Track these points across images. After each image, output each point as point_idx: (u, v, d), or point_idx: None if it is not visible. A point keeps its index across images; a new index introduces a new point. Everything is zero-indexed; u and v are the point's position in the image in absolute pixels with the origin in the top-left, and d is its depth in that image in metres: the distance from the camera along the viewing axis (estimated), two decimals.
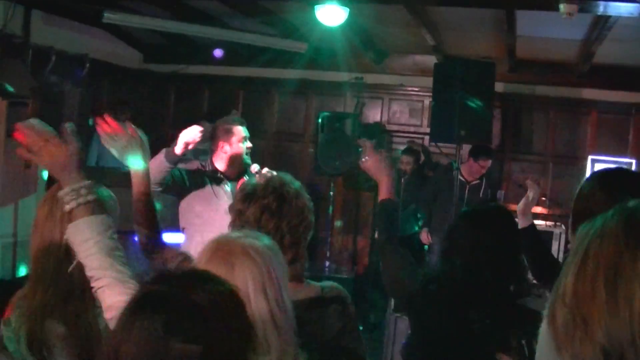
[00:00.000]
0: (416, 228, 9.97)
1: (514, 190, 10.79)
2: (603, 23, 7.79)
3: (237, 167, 6.06)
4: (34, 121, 2.83)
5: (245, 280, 2.26)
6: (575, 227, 2.62)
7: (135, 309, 1.70)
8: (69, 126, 2.91)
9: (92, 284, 2.78)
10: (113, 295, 2.72)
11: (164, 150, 5.50)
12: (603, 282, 1.47)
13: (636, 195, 2.50)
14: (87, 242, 2.77)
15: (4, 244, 8.61)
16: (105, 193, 3.15)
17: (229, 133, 6.07)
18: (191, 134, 5.47)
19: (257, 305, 2.25)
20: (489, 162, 9.53)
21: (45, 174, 8.77)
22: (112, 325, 2.66)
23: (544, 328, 2.13)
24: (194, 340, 1.63)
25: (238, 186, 5.97)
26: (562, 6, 6.32)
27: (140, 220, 3.48)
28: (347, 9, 7.47)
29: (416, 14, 8.42)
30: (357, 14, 8.45)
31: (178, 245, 6.27)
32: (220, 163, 6.08)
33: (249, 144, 6.12)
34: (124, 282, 2.76)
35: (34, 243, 3.05)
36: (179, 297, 1.70)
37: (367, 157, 3.88)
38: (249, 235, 2.44)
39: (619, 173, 2.87)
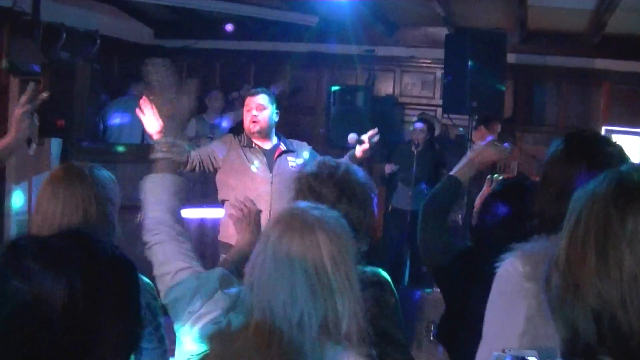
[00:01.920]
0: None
1: (526, 161, 10.80)
2: None
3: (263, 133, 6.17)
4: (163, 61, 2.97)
5: (321, 251, 2.25)
6: (544, 195, 2.64)
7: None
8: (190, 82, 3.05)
9: (149, 239, 2.88)
10: (168, 251, 2.80)
11: None
12: (593, 244, 1.48)
13: (596, 158, 2.53)
14: (158, 196, 2.87)
15: (19, 220, 8.66)
16: (105, 174, 3.24)
17: (244, 104, 6.27)
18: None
19: (334, 275, 2.25)
20: (499, 127, 9.54)
21: (57, 151, 8.82)
22: (161, 281, 2.77)
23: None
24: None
25: (275, 156, 6.06)
26: None
27: None
28: None
29: None
30: None
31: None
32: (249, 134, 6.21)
33: (257, 110, 6.18)
34: (180, 242, 2.86)
35: (34, 223, 3.11)
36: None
37: (487, 148, 3.82)
38: (321, 208, 2.43)
39: (583, 136, 2.83)
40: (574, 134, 2.78)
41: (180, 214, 2.96)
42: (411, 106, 11.58)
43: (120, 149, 8.88)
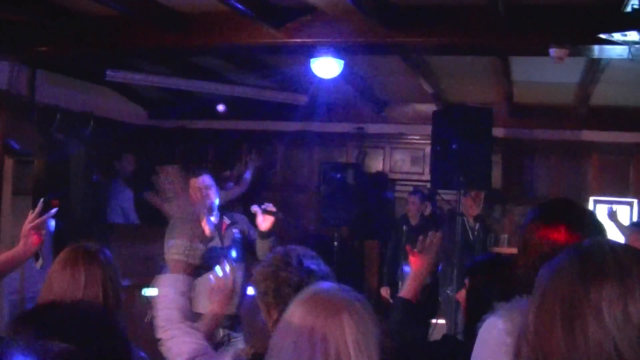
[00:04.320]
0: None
1: (517, 234, 10.86)
2: (596, 65, 7.92)
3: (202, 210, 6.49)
4: (174, 168, 2.95)
5: (344, 334, 2.19)
6: (525, 261, 2.69)
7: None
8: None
9: (160, 335, 3.00)
10: (184, 343, 2.89)
11: None
12: (560, 316, 1.58)
13: (573, 222, 2.63)
14: (170, 296, 2.95)
15: (11, 301, 8.67)
16: (108, 253, 3.32)
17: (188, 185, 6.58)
18: None
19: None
20: (482, 195, 9.62)
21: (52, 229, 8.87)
22: None
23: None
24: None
25: (223, 229, 6.37)
26: (552, 51, 6.44)
27: None
28: (342, 61, 7.59)
29: (412, 64, 8.56)
30: (355, 65, 8.59)
31: None
32: None
33: (207, 190, 6.53)
34: (193, 334, 3.00)
35: (43, 297, 3.15)
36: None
37: (428, 249, 3.85)
38: (346, 290, 2.38)
39: (559, 203, 2.94)
40: (548, 202, 2.89)
41: (189, 311, 3.06)
42: (402, 182, 11.65)
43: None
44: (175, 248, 3.11)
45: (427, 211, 10.42)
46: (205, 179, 6.55)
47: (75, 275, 3.13)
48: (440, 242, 3.86)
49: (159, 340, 3.09)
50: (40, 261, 4.28)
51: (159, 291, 3.09)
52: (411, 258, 3.86)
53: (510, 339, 2.38)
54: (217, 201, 6.57)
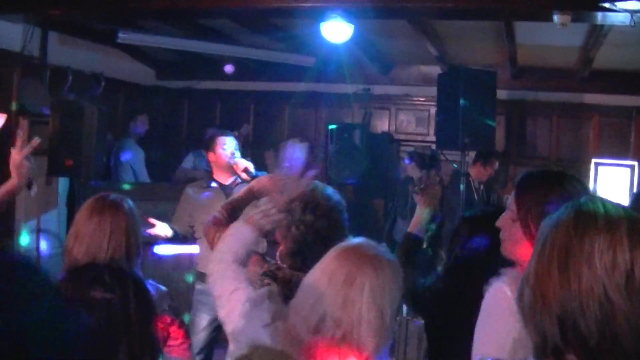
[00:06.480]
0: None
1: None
2: (599, 30, 8.04)
3: (225, 171, 6.70)
4: None
5: (362, 288, 2.49)
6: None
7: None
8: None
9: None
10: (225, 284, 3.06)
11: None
12: (557, 263, 1.81)
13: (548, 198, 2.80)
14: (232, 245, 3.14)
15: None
16: (131, 204, 3.53)
17: (211, 144, 6.77)
18: None
19: (362, 307, 2.48)
20: (497, 163, 9.89)
21: (65, 190, 9.06)
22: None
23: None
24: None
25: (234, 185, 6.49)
26: (555, 17, 6.58)
27: None
28: (352, 25, 7.72)
29: (418, 27, 8.68)
30: (362, 28, 8.72)
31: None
32: (214, 171, 6.82)
33: (232, 150, 6.71)
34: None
35: (70, 244, 3.39)
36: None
37: (426, 187, 4.00)
38: (375, 246, 2.67)
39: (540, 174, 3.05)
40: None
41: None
42: (406, 143, 11.81)
43: (126, 187, 9.17)
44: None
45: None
46: (227, 139, 6.77)
47: (102, 224, 3.35)
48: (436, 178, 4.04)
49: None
50: (35, 189, 4.37)
51: (225, 238, 3.22)
52: (417, 196, 4.07)
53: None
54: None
